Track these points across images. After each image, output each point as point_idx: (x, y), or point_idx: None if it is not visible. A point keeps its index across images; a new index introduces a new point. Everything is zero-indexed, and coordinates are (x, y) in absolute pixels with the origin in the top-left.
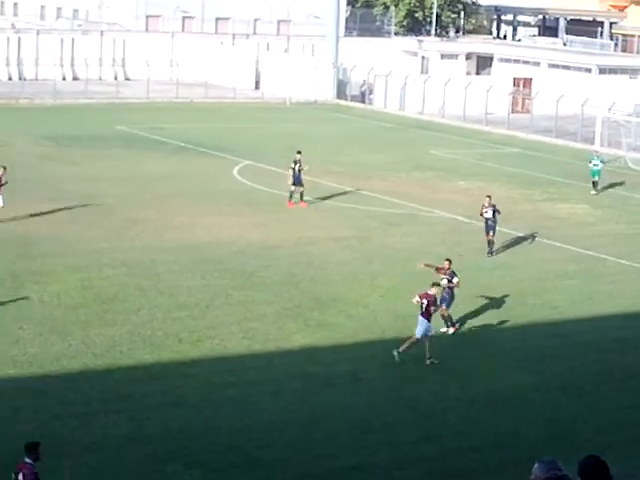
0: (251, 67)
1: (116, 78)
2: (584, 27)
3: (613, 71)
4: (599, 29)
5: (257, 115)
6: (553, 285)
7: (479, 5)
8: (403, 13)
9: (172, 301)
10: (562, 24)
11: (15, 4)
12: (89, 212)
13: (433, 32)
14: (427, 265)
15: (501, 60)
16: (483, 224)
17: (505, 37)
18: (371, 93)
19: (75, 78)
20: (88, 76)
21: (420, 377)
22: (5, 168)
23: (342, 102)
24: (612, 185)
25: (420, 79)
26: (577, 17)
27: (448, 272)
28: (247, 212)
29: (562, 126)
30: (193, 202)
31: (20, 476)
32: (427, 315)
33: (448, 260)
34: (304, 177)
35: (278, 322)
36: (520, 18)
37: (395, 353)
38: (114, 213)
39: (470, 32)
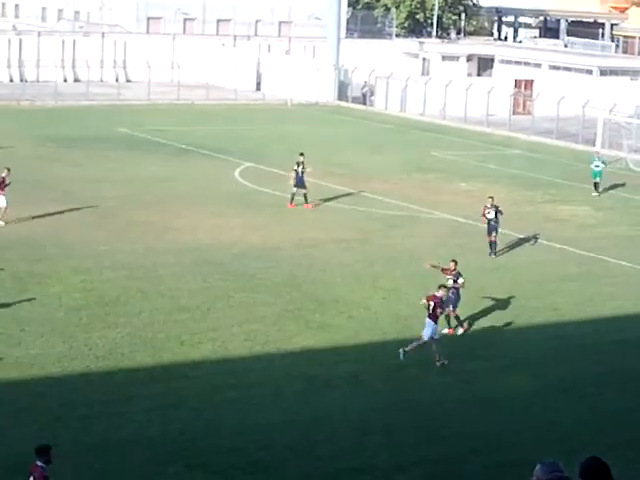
0: (252, 69)
1: (117, 80)
2: (585, 28)
3: (614, 72)
4: (600, 30)
5: (258, 117)
6: (554, 287)
7: (480, 7)
8: (404, 15)
9: (173, 303)
10: (563, 25)
11: (16, 6)
12: (90, 214)
13: (434, 34)
14: (433, 266)
15: (502, 62)
16: (483, 225)
17: (506, 39)
18: (372, 95)
19: (76, 80)
20: (89, 78)
21: (421, 379)
22: (9, 170)
23: (343, 104)
24: (613, 187)
25: (421, 81)
26: (578, 19)
27: (454, 273)
28: (248, 214)
29: (563, 128)
30: (194, 204)
31: (31, 479)
32: (434, 317)
33: (454, 261)
34: (306, 179)
35: (279, 324)
36: (521, 20)
37: (401, 351)
38: (115, 215)
39: (471, 34)
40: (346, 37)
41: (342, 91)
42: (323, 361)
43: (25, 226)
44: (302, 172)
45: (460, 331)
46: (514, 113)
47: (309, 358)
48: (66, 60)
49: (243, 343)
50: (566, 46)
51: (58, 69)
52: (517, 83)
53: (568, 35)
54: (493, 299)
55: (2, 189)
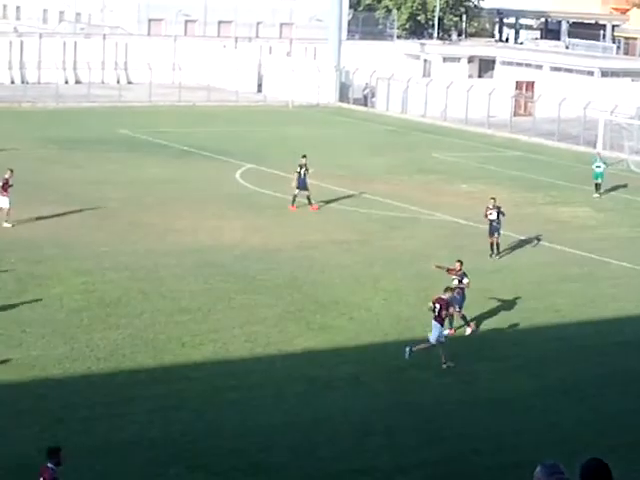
0: (253, 70)
1: (118, 82)
2: (586, 30)
3: (615, 74)
4: (601, 32)
5: (259, 118)
6: (555, 288)
7: (481, 8)
8: (405, 16)
9: (174, 305)
10: (564, 27)
11: (18, 8)
12: (92, 215)
13: (435, 35)
14: (439, 266)
15: (503, 63)
16: (485, 227)
17: (507, 40)
18: (373, 96)
19: (77, 82)
20: (90, 80)
21: (422, 380)
22: (12, 171)
23: (344, 105)
24: (614, 188)
25: (422, 82)
26: (579, 20)
27: (459, 273)
28: (249, 215)
29: (564, 129)
30: (195, 206)
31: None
32: (440, 320)
33: (459, 261)
34: (308, 181)
35: (280, 325)
36: (522, 21)
37: (407, 349)
38: (117, 217)
39: (472, 35)
40: (347, 39)
41: (343, 93)
42: (324, 362)
43: (26, 227)
44: (304, 174)
45: (468, 331)
46: (515, 115)
47: (310, 359)
48: (67, 62)
49: (244, 344)
50: (567, 47)
51: (59, 71)
52: (518, 85)
53: (569, 36)
54: (494, 300)
55: (5, 190)
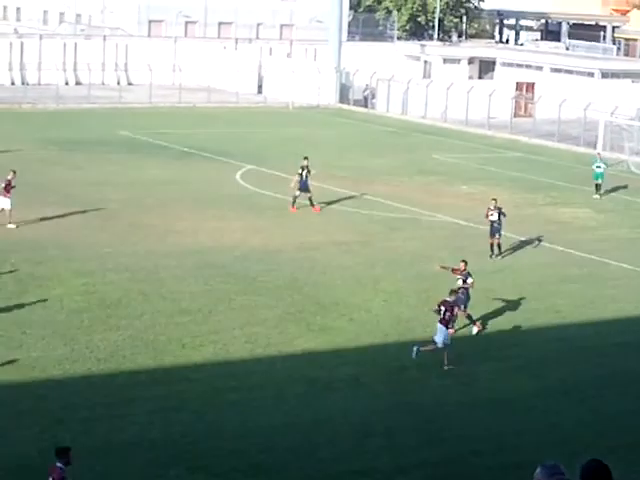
0: (254, 72)
1: (119, 83)
2: (586, 31)
3: (615, 75)
4: (602, 33)
5: (260, 119)
6: (555, 289)
7: (481, 9)
8: (406, 17)
9: (175, 306)
10: (565, 28)
11: (18, 9)
12: (92, 217)
13: (436, 36)
14: (443, 267)
15: (504, 64)
16: (485, 228)
17: (507, 41)
18: (373, 97)
19: (78, 83)
20: (91, 81)
21: (422, 381)
22: (15, 172)
23: (345, 106)
24: (615, 189)
25: (423, 83)
26: (580, 21)
27: (463, 273)
28: (250, 217)
29: (565, 130)
30: (196, 207)
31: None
32: (445, 322)
33: (464, 261)
34: (310, 182)
35: (280, 326)
36: (523, 22)
37: (415, 348)
38: (117, 218)
39: (472, 36)
40: (347, 40)
41: (343, 94)
42: (324, 364)
43: (27, 229)
44: (306, 176)
45: (475, 330)
46: (515, 116)
47: (310, 361)
48: (68, 63)
49: (244, 346)
50: (567, 49)
51: (60, 72)
52: (518, 86)
53: (569, 38)
54: (494, 301)
55: (8, 191)
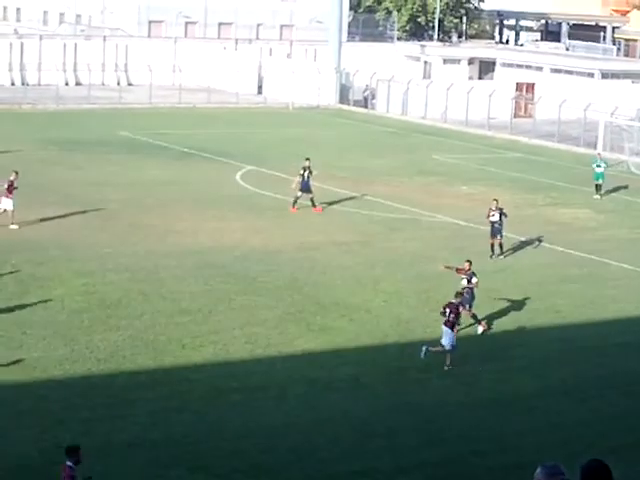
0: (254, 72)
1: (119, 83)
2: (586, 32)
3: (615, 76)
4: (601, 34)
5: (260, 120)
6: (556, 289)
7: (482, 10)
8: (406, 18)
9: (175, 306)
10: (564, 29)
11: (18, 9)
12: (92, 217)
13: (436, 37)
14: (447, 267)
15: (503, 65)
16: (485, 228)
17: (507, 42)
18: (373, 98)
19: (78, 83)
20: (91, 81)
21: (422, 381)
22: (17, 173)
23: (345, 107)
24: (615, 190)
25: (423, 84)
26: (579, 22)
27: (468, 273)
28: (250, 217)
29: (565, 131)
30: (196, 207)
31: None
32: (451, 325)
33: (468, 261)
34: (312, 183)
35: (280, 327)
36: (522, 23)
37: (424, 348)
38: (117, 218)
39: (472, 37)
40: (348, 40)
41: (343, 94)
42: (324, 364)
43: (27, 229)
44: (308, 177)
45: (480, 330)
46: (515, 116)
47: (310, 361)
48: (68, 63)
49: (244, 346)
50: (567, 49)
51: (60, 72)
52: (518, 86)
53: (569, 38)
54: (495, 301)
55: (10, 192)
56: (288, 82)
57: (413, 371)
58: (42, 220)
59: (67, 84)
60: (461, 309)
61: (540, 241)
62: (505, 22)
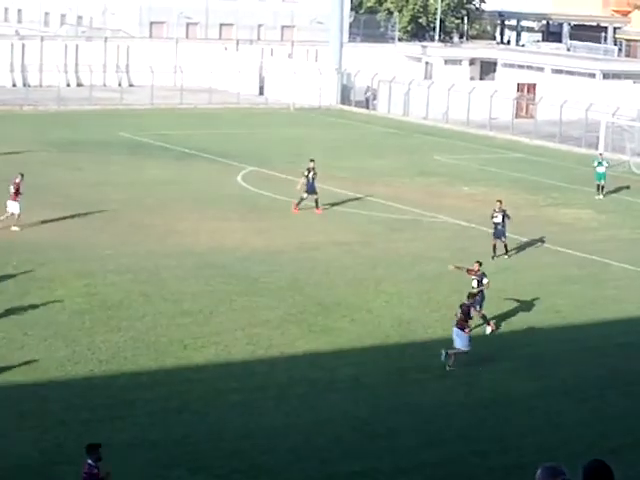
0: (255, 73)
1: (120, 84)
2: (588, 32)
3: (617, 76)
4: (603, 34)
5: (261, 121)
6: (557, 290)
7: (483, 11)
8: (407, 19)
9: (176, 307)
10: (566, 29)
11: (19, 11)
12: (93, 218)
13: (437, 38)
14: (457, 267)
15: (505, 65)
16: (486, 229)
17: (509, 42)
18: (375, 99)
19: (79, 84)
20: (92, 82)
21: (423, 382)
22: (22, 175)
23: (346, 107)
24: (616, 190)
25: (424, 84)
26: (581, 22)
27: (478, 274)
28: (251, 218)
29: (566, 131)
30: (197, 208)
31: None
32: (462, 326)
33: (478, 262)
34: (317, 184)
35: (282, 327)
36: (524, 23)
37: (443, 352)
38: (118, 219)
39: (474, 37)
40: (349, 41)
41: (345, 95)
42: (325, 365)
43: (29, 230)
44: (313, 178)
45: (488, 330)
46: (517, 117)
47: (311, 362)
48: (69, 65)
49: (246, 347)
50: (569, 50)
51: (61, 74)
52: (520, 87)
53: (571, 39)
54: (495, 301)
55: (17, 195)
56: (289, 83)
57: (414, 372)
58: (43, 221)
59: (68, 85)
60: (472, 310)
61: (541, 241)
62: (506, 23)
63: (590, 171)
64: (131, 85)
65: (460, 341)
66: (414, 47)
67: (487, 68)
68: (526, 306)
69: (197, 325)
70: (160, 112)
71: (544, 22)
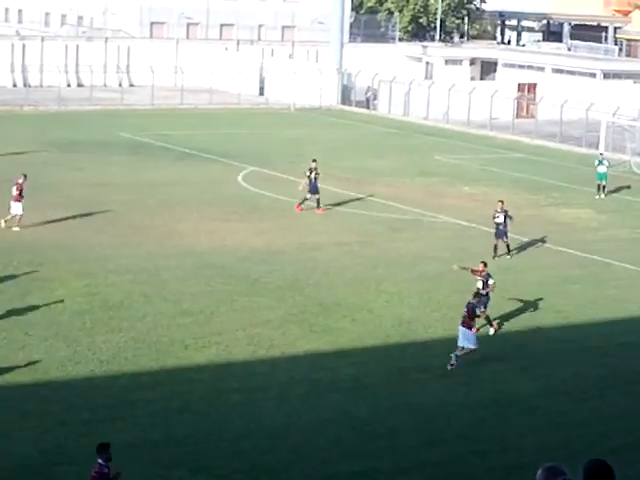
0: (255, 73)
1: (121, 85)
2: (588, 32)
3: (617, 76)
4: (603, 34)
5: (261, 121)
6: (557, 289)
7: (483, 10)
8: (407, 19)
9: (177, 307)
10: (566, 29)
11: (20, 11)
12: (94, 218)
13: (437, 38)
14: (462, 267)
15: (505, 65)
16: (487, 229)
17: (509, 42)
18: (375, 99)
19: (80, 85)
20: (93, 83)
21: (423, 382)
22: (25, 176)
23: (346, 108)
24: (616, 190)
25: (424, 85)
26: (581, 22)
27: (483, 274)
28: (251, 218)
29: (566, 131)
30: (197, 208)
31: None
32: (467, 325)
33: (483, 263)
34: (319, 184)
35: (283, 328)
36: (524, 23)
37: (452, 355)
38: (119, 219)
39: (474, 37)
40: (349, 41)
41: (345, 95)
42: (326, 365)
43: (29, 230)
44: (315, 178)
45: (491, 331)
46: (517, 117)
47: (312, 362)
48: (69, 65)
49: (247, 347)
50: (569, 49)
51: (61, 74)
52: (520, 87)
53: (571, 39)
54: (496, 301)
55: (20, 196)
56: (290, 83)
57: (414, 371)
58: (44, 221)
59: (69, 85)
60: (478, 312)
61: (542, 241)
62: (507, 22)
63: (591, 171)
64: (132, 85)
65: (467, 339)
66: (414, 47)
67: (488, 68)
68: (527, 306)
69: (198, 325)
70: (161, 112)
71: (545, 22)
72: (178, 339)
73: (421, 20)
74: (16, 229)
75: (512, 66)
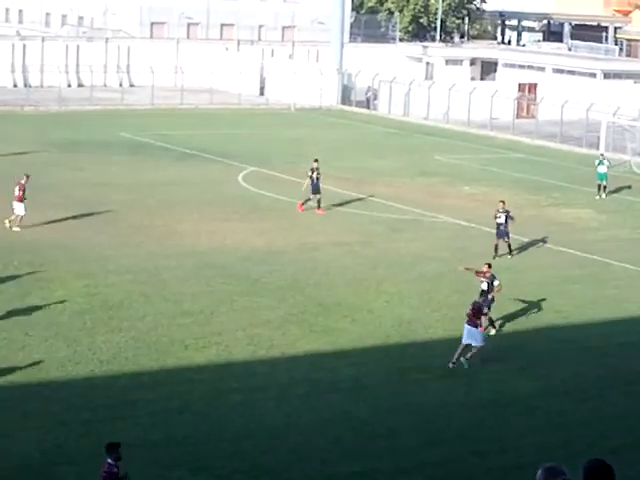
0: (256, 73)
1: (121, 85)
2: (589, 32)
3: (618, 76)
4: (604, 34)
5: (262, 121)
6: (557, 290)
7: (483, 11)
8: (408, 19)
9: (177, 307)
10: (567, 29)
11: (20, 11)
12: (94, 218)
13: (438, 38)
14: (467, 269)
15: (506, 65)
16: (487, 229)
17: (510, 42)
18: (375, 99)
19: (80, 85)
20: (93, 83)
21: (423, 382)
22: (28, 176)
23: (347, 108)
24: (617, 190)
25: (425, 85)
26: (582, 22)
27: (488, 276)
28: (252, 218)
29: (567, 131)
30: (198, 208)
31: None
32: (473, 323)
33: (488, 264)
34: (321, 185)
35: (283, 328)
36: (525, 23)
37: (463, 360)
38: (119, 219)
39: (475, 37)
40: (349, 41)
41: (345, 95)
42: (326, 365)
43: (30, 230)
44: (317, 178)
45: (493, 332)
46: (518, 117)
47: (312, 362)
48: (70, 65)
49: (247, 347)
50: (570, 50)
51: (62, 74)
52: (521, 87)
53: (572, 39)
54: (497, 301)
55: (23, 196)
56: (290, 83)
57: (414, 372)
58: (44, 221)
59: (69, 86)
60: (484, 310)
61: (543, 241)
62: (507, 23)
63: (591, 171)
64: (132, 85)
65: (472, 337)
66: (415, 47)
67: (488, 68)
68: (527, 306)
69: (198, 325)
70: (161, 112)
71: (545, 22)
72: (178, 339)
73: (421, 20)
74: (16, 229)
75: (512, 66)
